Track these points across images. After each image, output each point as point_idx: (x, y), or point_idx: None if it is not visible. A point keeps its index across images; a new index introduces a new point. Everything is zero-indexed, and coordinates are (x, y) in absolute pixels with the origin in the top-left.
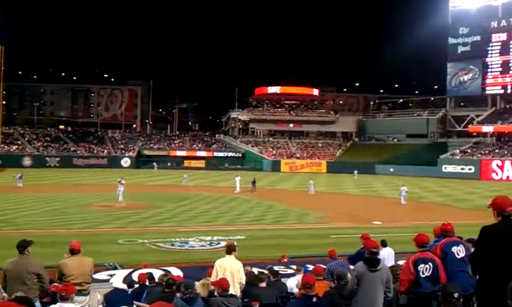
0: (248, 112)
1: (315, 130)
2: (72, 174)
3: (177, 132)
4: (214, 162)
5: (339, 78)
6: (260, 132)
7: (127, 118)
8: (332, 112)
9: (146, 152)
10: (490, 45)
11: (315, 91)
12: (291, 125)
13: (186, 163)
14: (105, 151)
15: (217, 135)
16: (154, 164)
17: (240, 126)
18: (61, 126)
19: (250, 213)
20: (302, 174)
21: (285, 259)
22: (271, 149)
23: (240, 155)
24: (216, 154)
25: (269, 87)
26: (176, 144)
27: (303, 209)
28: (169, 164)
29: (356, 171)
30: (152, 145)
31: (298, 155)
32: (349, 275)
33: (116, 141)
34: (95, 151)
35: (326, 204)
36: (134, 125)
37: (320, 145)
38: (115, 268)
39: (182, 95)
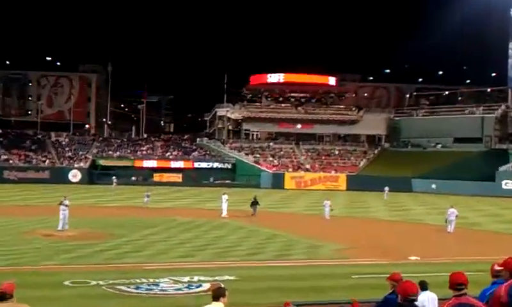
0: (241, 109)
1: (332, 133)
2: (1, 192)
3: (145, 136)
4: (195, 176)
5: (364, 63)
6: (256, 135)
7: (78, 116)
8: (354, 109)
9: (103, 162)
10: None
11: (332, 80)
12: (299, 126)
13: (157, 177)
14: (48, 160)
15: (198, 140)
16: (113, 178)
17: (231, 128)
18: None
19: (243, 245)
20: (313, 193)
21: None
22: (271, 159)
23: (229, 166)
24: (197, 165)
25: (269, 75)
26: (144, 152)
27: (315, 239)
28: (133, 179)
29: (386, 188)
30: (110, 153)
31: (308, 167)
32: None
33: (62, 147)
34: (34, 160)
35: (346, 232)
36: (87, 126)
37: (337, 153)
38: None
39: (151, 85)
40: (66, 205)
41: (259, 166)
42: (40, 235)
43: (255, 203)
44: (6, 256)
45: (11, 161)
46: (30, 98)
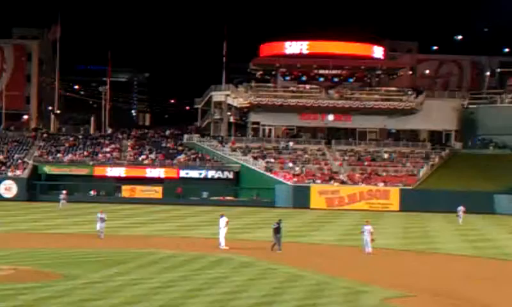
0: (247, 92)
1: (378, 128)
2: None
3: (109, 131)
4: (181, 190)
5: (424, 26)
6: (269, 131)
7: (11, 103)
8: (410, 92)
9: (49, 169)
10: None
11: (378, 51)
12: (330, 117)
13: (126, 191)
14: None
15: (186, 137)
16: (62, 193)
17: (232, 120)
18: None
19: (251, 291)
20: (352, 215)
21: None
22: (290, 165)
23: (231, 176)
24: (184, 174)
25: (287, 44)
26: (108, 155)
27: (354, 282)
28: (92, 194)
29: (461, 209)
30: (59, 156)
31: (344, 177)
32: None
33: None
34: None
35: (399, 272)
36: (25, 117)
37: (387, 157)
38: None
39: (118, 58)
40: None
41: (273, 176)
42: None
43: (278, 231)
44: None
45: None
46: None
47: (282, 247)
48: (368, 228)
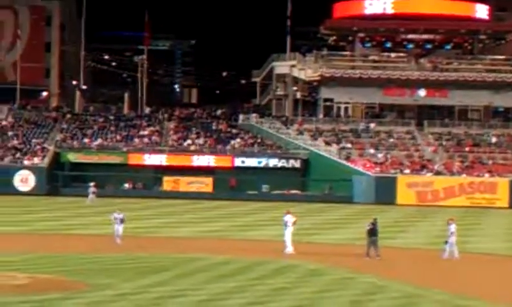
0: (317, 62)
1: (483, 105)
2: None
3: (147, 110)
4: (235, 182)
5: None
6: (345, 110)
7: (28, 76)
8: None
9: (74, 157)
10: None
11: (481, 10)
12: (422, 93)
13: (168, 183)
14: None
15: (242, 118)
16: (90, 185)
17: (299, 96)
18: None
19: (321, 305)
20: (448, 212)
21: None
22: (371, 151)
23: (297, 165)
24: (239, 162)
25: (367, 2)
26: (146, 140)
27: (452, 295)
28: (126, 186)
29: None
30: (86, 141)
31: (440, 166)
32: None
33: (2, 130)
34: None
35: (505, 284)
36: (45, 93)
37: (494, 141)
38: None
39: (158, 22)
40: None
41: (350, 164)
42: None
43: (375, 233)
44: None
45: None
46: None
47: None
48: (452, 225)
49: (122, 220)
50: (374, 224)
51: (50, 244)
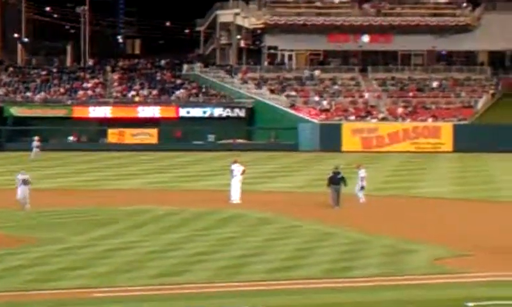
0: (261, 9)
1: (426, 50)
2: None
3: (90, 62)
4: (181, 133)
5: None
6: (289, 58)
7: None
8: (465, 5)
9: (17, 111)
10: None
11: None
12: (365, 38)
13: (113, 135)
14: None
15: (186, 67)
16: (34, 139)
17: (243, 44)
18: None
19: (269, 254)
20: (394, 157)
21: None
22: (316, 99)
23: (242, 114)
24: (184, 112)
25: None
26: (90, 92)
27: (397, 240)
28: (70, 140)
29: None
30: (29, 94)
31: (384, 111)
32: None
33: None
34: None
35: (453, 227)
36: None
37: (436, 85)
38: None
39: None
40: None
41: (295, 112)
42: None
43: (338, 181)
44: None
45: None
46: None
47: (308, 199)
48: (362, 171)
49: (27, 182)
50: (336, 170)
51: None
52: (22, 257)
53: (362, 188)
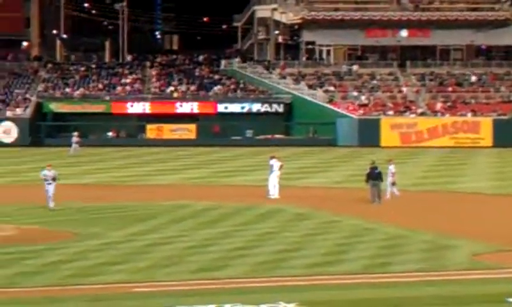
0: (299, 5)
1: (465, 44)
2: None
3: (129, 58)
4: (218, 129)
5: None
6: (327, 52)
7: (8, 26)
8: None
9: (56, 107)
10: None
11: None
12: (404, 33)
13: (152, 131)
14: None
15: (224, 63)
16: (73, 135)
17: (281, 40)
18: None
19: (308, 249)
20: (433, 152)
21: None
22: (355, 94)
23: (281, 110)
24: (222, 108)
25: None
26: (128, 87)
27: (437, 235)
28: (109, 135)
29: None
30: (68, 90)
31: (423, 107)
32: None
33: None
34: None
35: (493, 222)
36: (25, 43)
37: (476, 80)
38: None
39: None
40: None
41: (333, 108)
42: None
43: (376, 176)
44: None
45: None
46: None
47: (344, 196)
48: (392, 166)
49: (54, 179)
50: (374, 166)
51: (33, 195)
52: (61, 252)
53: (393, 184)
